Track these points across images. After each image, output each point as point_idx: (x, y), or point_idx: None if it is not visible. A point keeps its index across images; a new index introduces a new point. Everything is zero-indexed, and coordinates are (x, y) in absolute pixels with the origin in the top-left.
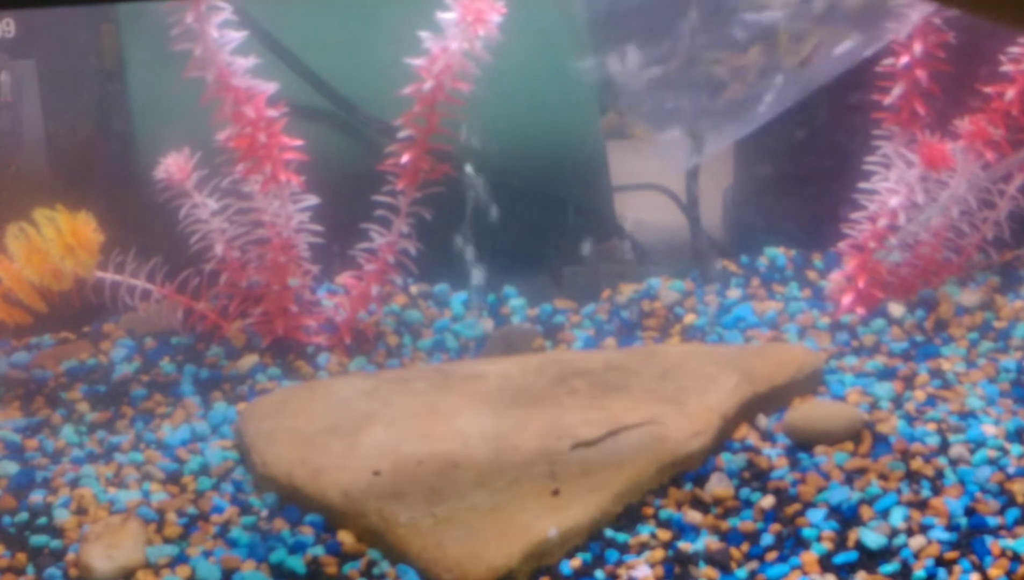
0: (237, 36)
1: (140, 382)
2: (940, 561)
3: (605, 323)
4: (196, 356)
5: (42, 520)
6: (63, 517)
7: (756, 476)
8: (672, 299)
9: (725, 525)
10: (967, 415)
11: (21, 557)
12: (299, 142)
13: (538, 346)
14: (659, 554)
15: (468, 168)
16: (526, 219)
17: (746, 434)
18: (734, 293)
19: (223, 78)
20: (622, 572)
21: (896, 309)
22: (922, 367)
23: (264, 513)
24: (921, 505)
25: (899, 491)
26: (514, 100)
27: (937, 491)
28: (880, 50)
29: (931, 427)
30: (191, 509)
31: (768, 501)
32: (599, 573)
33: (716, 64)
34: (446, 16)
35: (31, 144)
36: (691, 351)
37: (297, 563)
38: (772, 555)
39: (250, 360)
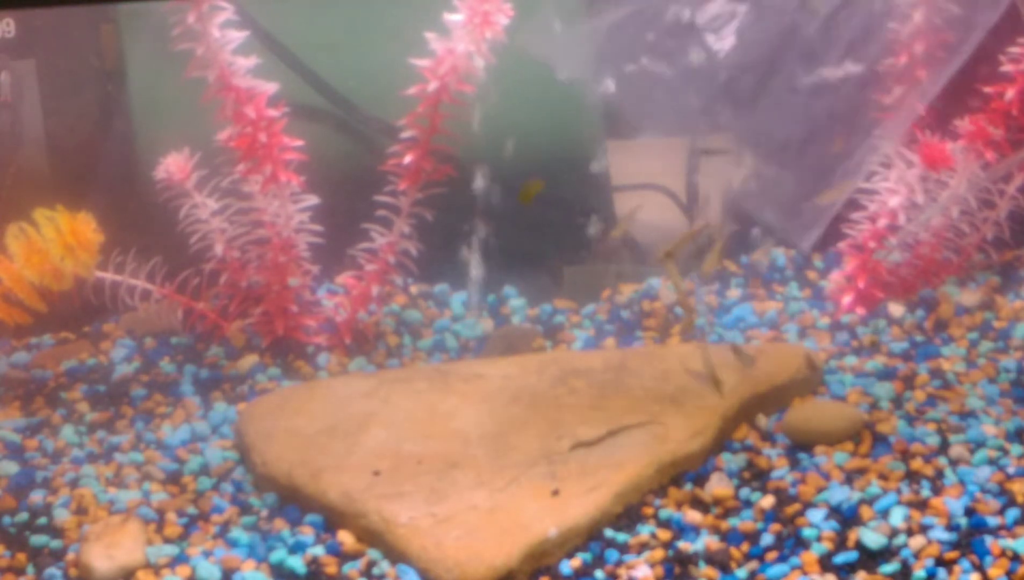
0: (238, 36)
1: (140, 382)
2: (940, 561)
3: (605, 323)
4: (196, 356)
5: (42, 520)
6: (63, 517)
7: (756, 476)
8: (672, 299)
9: (725, 525)
10: (967, 415)
11: (21, 557)
12: (299, 142)
13: (538, 346)
14: (659, 554)
15: (469, 168)
16: (526, 219)
17: (746, 434)
18: (734, 293)
19: (224, 78)
20: (622, 572)
21: (896, 309)
22: (922, 367)
23: (264, 513)
24: (921, 505)
25: (899, 491)
26: (515, 100)
27: (937, 491)
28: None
29: (931, 427)
30: (191, 509)
31: (768, 501)
32: (599, 573)
33: None
34: (453, 18)
35: (31, 144)
36: (691, 351)
37: (297, 563)
38: (772, 555)
39: (250, 360)
